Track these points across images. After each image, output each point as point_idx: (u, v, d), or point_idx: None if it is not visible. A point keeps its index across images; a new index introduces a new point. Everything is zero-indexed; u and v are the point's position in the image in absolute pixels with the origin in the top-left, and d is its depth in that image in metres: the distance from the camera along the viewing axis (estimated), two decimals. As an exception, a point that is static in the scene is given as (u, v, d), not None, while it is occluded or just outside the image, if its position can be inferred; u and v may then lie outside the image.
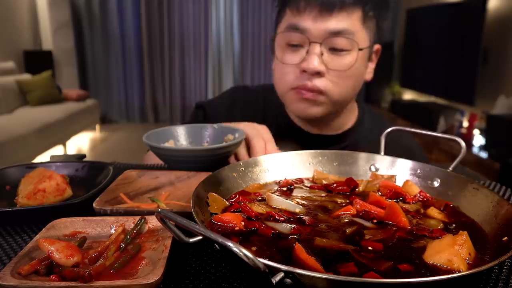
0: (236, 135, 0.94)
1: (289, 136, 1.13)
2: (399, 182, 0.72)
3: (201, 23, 6.23)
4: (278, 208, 0.61)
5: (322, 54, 0.99)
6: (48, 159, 0.92)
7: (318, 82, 1.00)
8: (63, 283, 0.43)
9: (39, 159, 4.11)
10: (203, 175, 0.69)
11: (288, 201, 0.62)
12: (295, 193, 0.68)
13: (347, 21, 0.98)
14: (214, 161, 0.82)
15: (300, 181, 0.73)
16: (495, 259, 0.42)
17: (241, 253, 0.36)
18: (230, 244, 0.37)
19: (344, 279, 0.38)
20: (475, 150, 3.66)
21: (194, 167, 0.81)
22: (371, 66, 1.11)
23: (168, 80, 6.44)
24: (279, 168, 0.75)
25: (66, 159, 0.94)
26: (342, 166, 0.78)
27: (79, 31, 6.11)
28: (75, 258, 0.48)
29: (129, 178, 0.76)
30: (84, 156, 0.97)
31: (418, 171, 0.73)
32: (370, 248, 0.50)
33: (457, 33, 4.02)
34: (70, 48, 5.86)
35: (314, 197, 0.66)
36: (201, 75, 6.47)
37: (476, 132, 3.81)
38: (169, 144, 0.94)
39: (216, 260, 0.53)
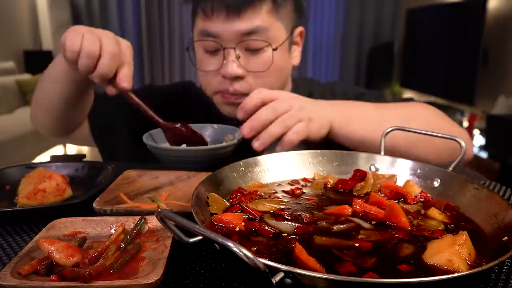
0: (236, 135, 0.94)
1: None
2: (399, 182, 0.72)
3: (201, 23, 6.22)
4: None
5: (239, 57, 0.96)
6: (48, 159, 0.92)
7: (239, 86, 0.99)
8: (63, 283, 0.43)
9: (39, 159, 4.11)
10: (203, 175, 0.69)
11: None
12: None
13: (258, 18, 0.94)
14: (214, 161, 0.82)
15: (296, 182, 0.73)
16: (495, 259, 0.42)
17: (241, 253, 0.36)
18: (230, 244, 0.37)
19: (344, 279, 0.38)
20: (475, 150, 3.66)
21: (194, 167, 0.81)
22: (298, 49, 1.07)
23: (168, 80, 6.43)
24: (279, 168, 0.75)
25: (66, 159, 0.94)
26: (342, 166, 0.77)
27: (79, 31, 6.09)
28: (75, 258, 0.48)
29: (129, 178, 0.76)
30: (84, 156, 0.97)
31: (418, 171, 0.73)
32: (356, 244, 0.50)
33: (457, 33, 4.02)
34: (70, 48, 5.85)
35: (315, 196, 0.66)
36: (201, 75, 6.47)
37: (476, 132, 3.81)
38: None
39: (216, 260, 0.53)
